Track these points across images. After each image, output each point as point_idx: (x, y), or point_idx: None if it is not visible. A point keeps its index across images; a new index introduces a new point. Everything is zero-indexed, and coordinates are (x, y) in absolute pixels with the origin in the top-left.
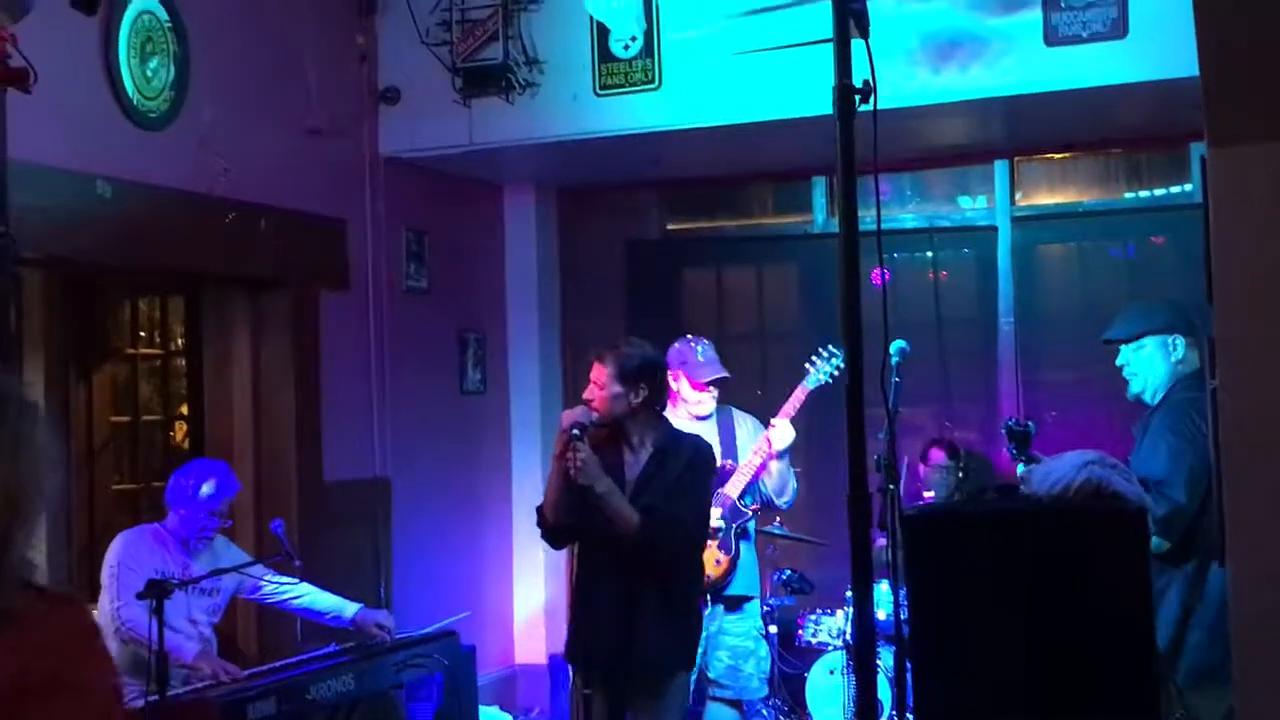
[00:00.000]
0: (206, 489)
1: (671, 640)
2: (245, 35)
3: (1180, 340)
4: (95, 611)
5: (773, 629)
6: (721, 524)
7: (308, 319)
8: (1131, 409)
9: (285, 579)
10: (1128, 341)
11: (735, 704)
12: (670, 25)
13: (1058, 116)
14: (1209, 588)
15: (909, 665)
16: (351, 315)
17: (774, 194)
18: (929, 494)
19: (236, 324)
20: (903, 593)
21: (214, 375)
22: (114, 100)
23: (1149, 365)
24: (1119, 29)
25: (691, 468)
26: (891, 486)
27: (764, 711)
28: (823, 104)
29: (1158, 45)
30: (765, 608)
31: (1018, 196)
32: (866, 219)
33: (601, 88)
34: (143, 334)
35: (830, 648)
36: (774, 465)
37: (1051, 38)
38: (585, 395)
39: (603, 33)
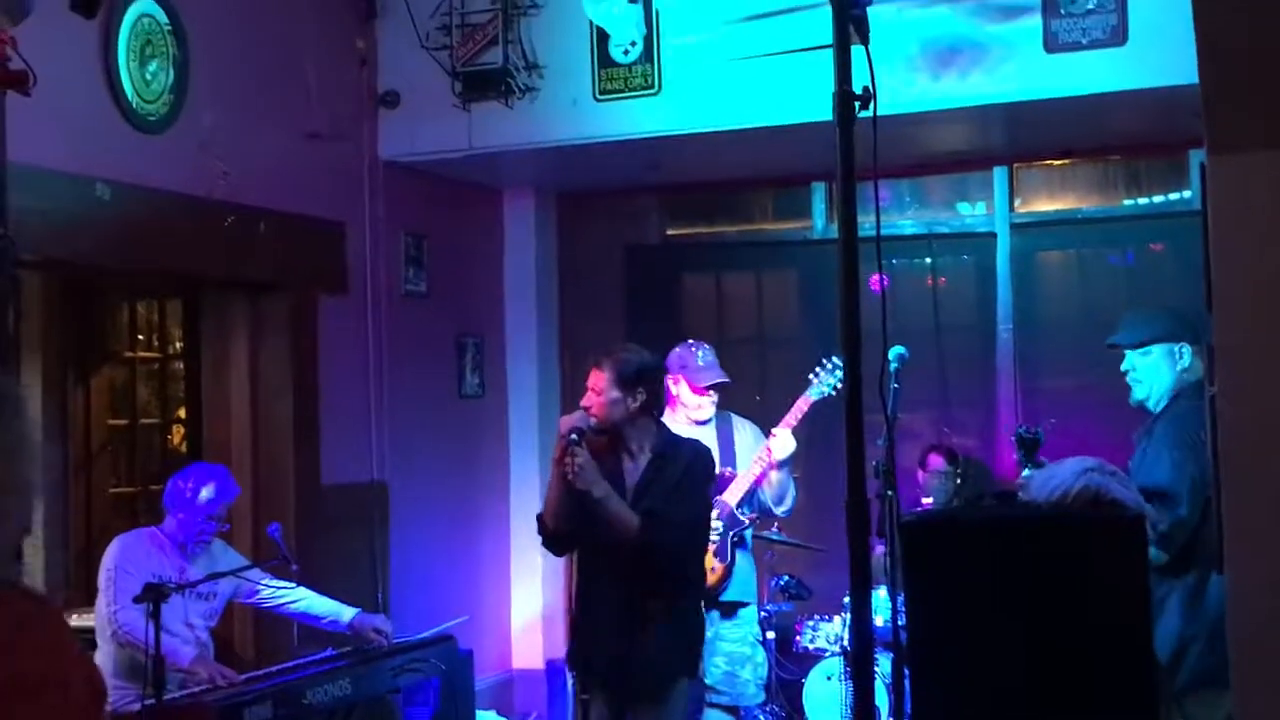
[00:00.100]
0: (206, 493)
1: (673, 646)
2: (245, 38)
3: (1187, 349)
4: (90, 615)
5: (770, 635)
6: (718, 531)
7: (306, 322)
8: (1131, 416)
9: (282, 583)
10: (1134, 347)
11: (732, 710)
12: (670, 30)
13: (1057, 123)
14: (1209, 598)
15: (907, 672)
16: (350, 319)
17: (773, 199)
18: (927, 500)
19: (235, 327)
20: (900, 599)
21: (212, 378)
22: (113, 103)
23: (1154, 372)
24: (1119, 36)
25: (690, 472)
26: (890, 493)
27: (761, 717)
28: (822, 110)
29: (1157, 52)
30: (763, 613)
31: (1017, 203)
32: (866, 225)
33: (601, 93)
34: (141, 337)
35: (828, 654)
36: (774, 474)
37: (1051, 44)
38: (584, 403)
39: (602, 38)
